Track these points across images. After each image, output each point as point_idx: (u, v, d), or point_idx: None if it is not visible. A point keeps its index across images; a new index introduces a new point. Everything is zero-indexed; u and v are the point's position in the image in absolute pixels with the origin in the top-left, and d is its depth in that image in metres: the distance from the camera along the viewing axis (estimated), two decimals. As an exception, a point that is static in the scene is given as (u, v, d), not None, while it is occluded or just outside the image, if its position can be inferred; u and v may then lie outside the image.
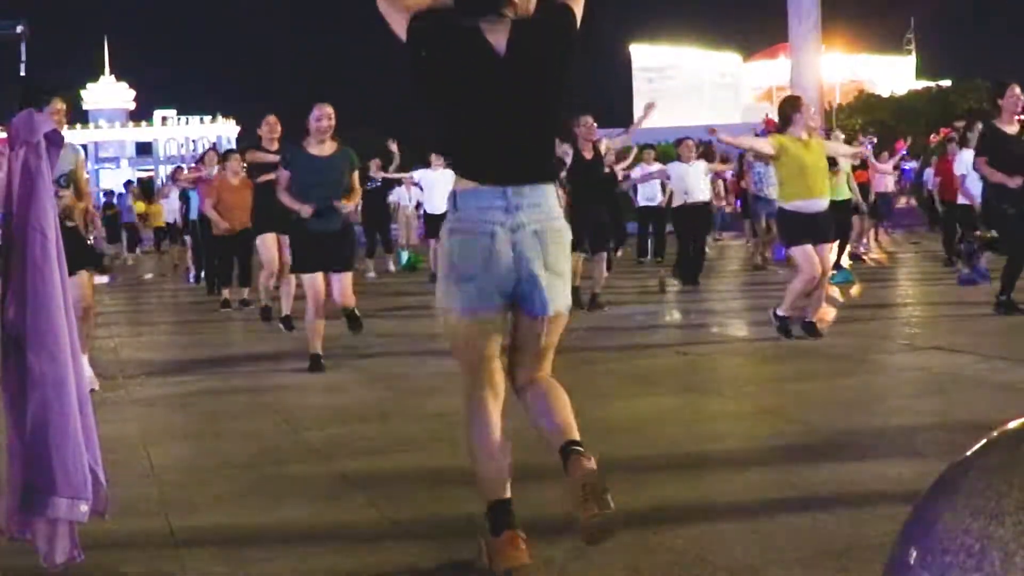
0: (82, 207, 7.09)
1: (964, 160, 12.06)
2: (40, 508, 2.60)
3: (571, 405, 3.29)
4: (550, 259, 3.17)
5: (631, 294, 12.23)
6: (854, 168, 13.85)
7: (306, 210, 7.14)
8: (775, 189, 9.17)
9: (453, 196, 3.21)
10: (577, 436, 3.15)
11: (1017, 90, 8.51)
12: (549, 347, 3.31)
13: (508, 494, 3.21)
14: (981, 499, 1.29)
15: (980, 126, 10.05)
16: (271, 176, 9.18)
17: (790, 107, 8.25)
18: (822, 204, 7.98)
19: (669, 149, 17.68)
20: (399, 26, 3.22)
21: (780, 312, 8.01)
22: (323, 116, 7.24)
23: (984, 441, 1.42)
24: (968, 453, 1.42)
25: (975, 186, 11.41)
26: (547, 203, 3.19)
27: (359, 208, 14.33)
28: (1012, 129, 8.53)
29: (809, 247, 7.87)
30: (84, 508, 2.63)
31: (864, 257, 15.67)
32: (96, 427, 2.77)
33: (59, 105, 6.60)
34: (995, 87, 8.85)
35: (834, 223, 8.44)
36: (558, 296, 3.21)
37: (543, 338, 3.26)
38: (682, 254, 13.46)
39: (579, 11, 3.25)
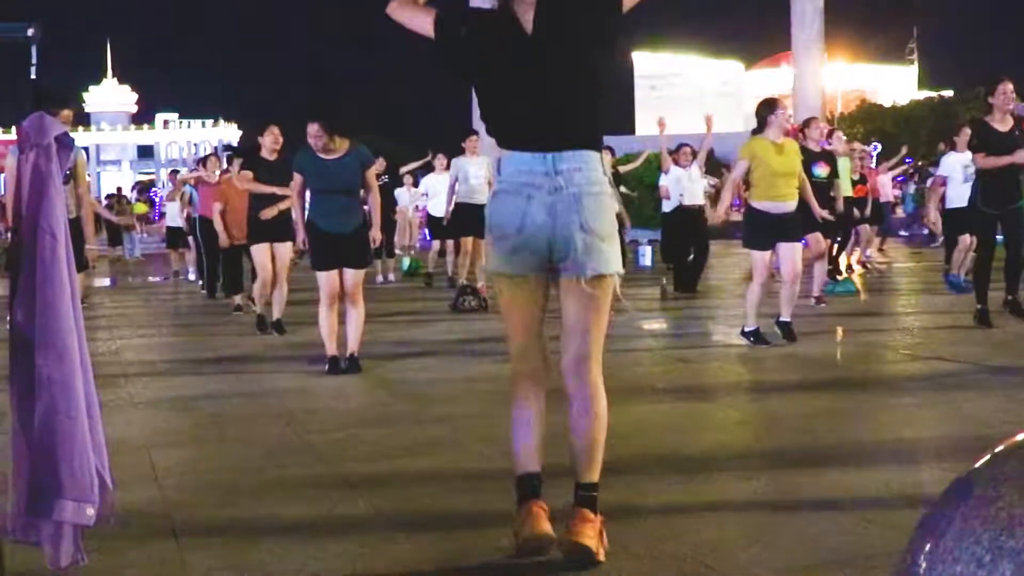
0: (88, 213, 7.18)
1: (947, 163, 12.13)
2: (46, 510, 2.60)
3: (604, 395, 3.37)
4: (589, 222, 3.19)
5: (633, 300, 12.23)
6: (854, 183, 13.85)
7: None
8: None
9: (498, 161, 3.32)
10: (595, 476, 3.28)
11: (1007, 87, 8.57)
12: (594, 318, 3.28)
13: (536, 468, 3.30)
14: (992, 509, 1.29)
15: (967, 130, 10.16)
16: (271, 189, 9.27)
17: (766, 109, 8.29)
18: (789, 207, 8.05)
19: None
20: (424, 23, 3.35)
21: (748, 328, 8.06)
22: (311, 135, 7.33)
23: (995, 451, 1.42)
24: (979, 463, 1.42)
25: (957, 190, 11.49)
26: (589, 167, 3.23)
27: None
28: (1003, 126, 8.57)
29: (767, 253, 7.97)
30: (90, 511, 2.63)
31: (868, 266, 15.68)
32: (103, 429, 2.77)
33: (64, 114, 6.64)
34: (987, 86, 8.90)
35: (802, 225, 8.46)
36: (597, 258, 3.21)
37: (584, 304, 3.25)
38: (679, 261, 13.39)
39: None
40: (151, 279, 19.40)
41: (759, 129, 8.23)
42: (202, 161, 15.36)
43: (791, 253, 8.04)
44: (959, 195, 11.42)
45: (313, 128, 7.29)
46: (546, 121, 3.25)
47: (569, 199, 3.18)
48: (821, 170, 10.31)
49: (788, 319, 8.11)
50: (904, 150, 20.86)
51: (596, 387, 3.33)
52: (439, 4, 3.44)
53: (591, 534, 3.16)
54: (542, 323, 3.38)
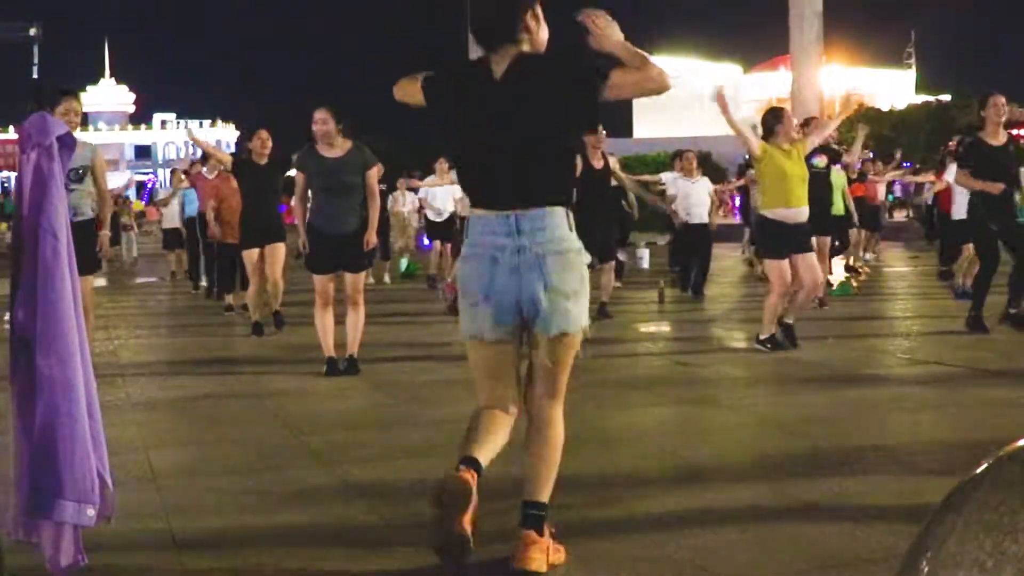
0: (106, 213, 7.19)
1: (953, 172, 12.13)
2: (47, 511, 2.60)
3: (572, 413, 3.36)
4: (553, 281, 3.22)
5: (631, 303, 12.23)
6: (851, 181, 13.86)
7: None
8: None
9: (467, 225, 3.35)
10: (544, 497, 3.28)
11: (999, 100, 8.55)
12: (557, 370, 3.35)
13: (475, 455, 3.22)
14: (995, 514, 1.29)
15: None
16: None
17: (772, 118, 8.28)
18: (802, 214, 8.01)
19: (666, 158, 17.56)
20: (415, 94, 3.41)
21: (763, 336, 8.03)
22: (318, 120, 7.25)
23: (997, 456, 1.43)
24: (981, 468, 1.42)
25: (962, 201, 11.48)
26: (552, 225, 3.25)
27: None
28: (997, 140, 8.56)
29: (784, 263, 7.91)
30: (91, 512, 2.63)
31: (860, 269, 15.69)
32: (103, 431, 2.77)
33: (72, 105, 6.64)
34: (979, 100, 8.89)
35: (811, 230, 8.47)
36: (562, 317, 3.26)
37: (548, 359, 3.32)
38: (685, 268, 13.39)
39: (617, 78, 3.18)
40: (149, 279, 19.38)
41: (765, 137, 8.22)
42: (202, 159, 15.35)
43: (809, 262, 8.01)
44: (964, 205, 11.41)
45: (321, 114, 7.26)
46: (508, 178, 3.26)
47: (532, 260, 3.21)
48: (820, 160, 10.38)
49: (791, 321, 8.08)
50: (898, 155, 20.86)
51: (555, 419, 3.37)
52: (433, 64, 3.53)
53: (538, 556, 3.17)
54: (514, 377, 3.40)
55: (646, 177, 14.64)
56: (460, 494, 3.08)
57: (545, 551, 3.21)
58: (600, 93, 3.20)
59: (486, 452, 3.28)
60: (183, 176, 16.30)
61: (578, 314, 3.30)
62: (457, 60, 3.54)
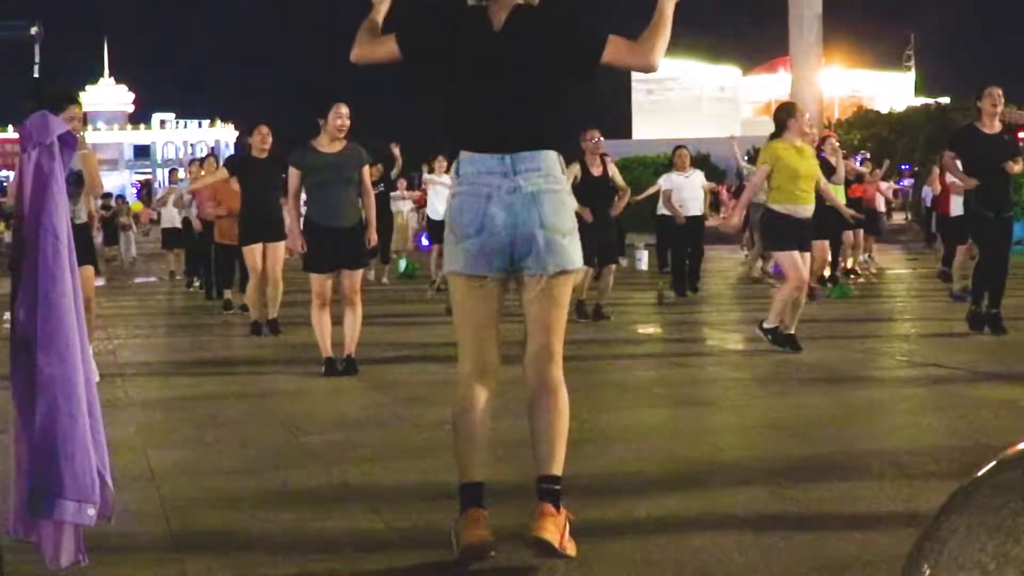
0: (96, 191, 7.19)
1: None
2: (47, 510, 2.60)
3: (571, 416, 3.35)
4: (548, 219, 3.22)
5: (630, 305, 12.23)
6: (848, 183, 13.87)
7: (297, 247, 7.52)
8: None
9: (456, 164, 3.31)
10: (558, 470, 3.26)
11: (994, 91, 8.64)
12: (556, 314, 3.31)
13: (480, 478, 3.27)
14: (997, 517, 1.30)
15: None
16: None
17: (785, 113, 8.29)
18: (808, 211, 8.03)
19: (665, 159, 17.50)
20: (389, 49, 3.42)
21: (767, 325, 8.04)
22: (342, 115, 7.34)
23: (999, 459, 1.43)
24: (983, 470, 1.42)
25: (958, 196, 11.51)
26: (546, 167, 3.27)
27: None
28: (990, 130, 8.61)
29: (796, 253, 7.92)
30: (91, 512, 2.62)
31: (859, 270, 15.69)
32: (104, 430, 2.77)
33: (75, 111, 6.64)
34: (976, 92, 8.95)
35: (814, 231, 8.49)
36: (559, 254, 3.24)
37: (545, 302, 3.28)
38: (676, 267, 13.42)
39: (613, 47, 3.30)
40: (148, 279, 19.37)
41: (777, 132, 8.22)
42: (199, 162, 15.34)
43: (804, 262, 8.02)
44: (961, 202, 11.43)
45: (344, 108, 7.34)
46: (507, 120, 3.29)
47: (527, 197, 3.21)
48: None
49: (793, 331, 8.05)
50: (886, 164, 20.82)
51: (558, 383, 3.35)
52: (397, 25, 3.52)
53: (552, 528, 3.14)
54: (498, 325, 3.37)
55: (648, 192, 14.65)
56: (483, 549, 3.15)
57: (561, 527, 3.18)
58: (599, 58, 3.29)
59: (482, 463, 3.30)
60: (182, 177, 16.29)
61: (574, 252, 3.30)
62: (451, 3, 3.50)
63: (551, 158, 3.29)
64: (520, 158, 3.22)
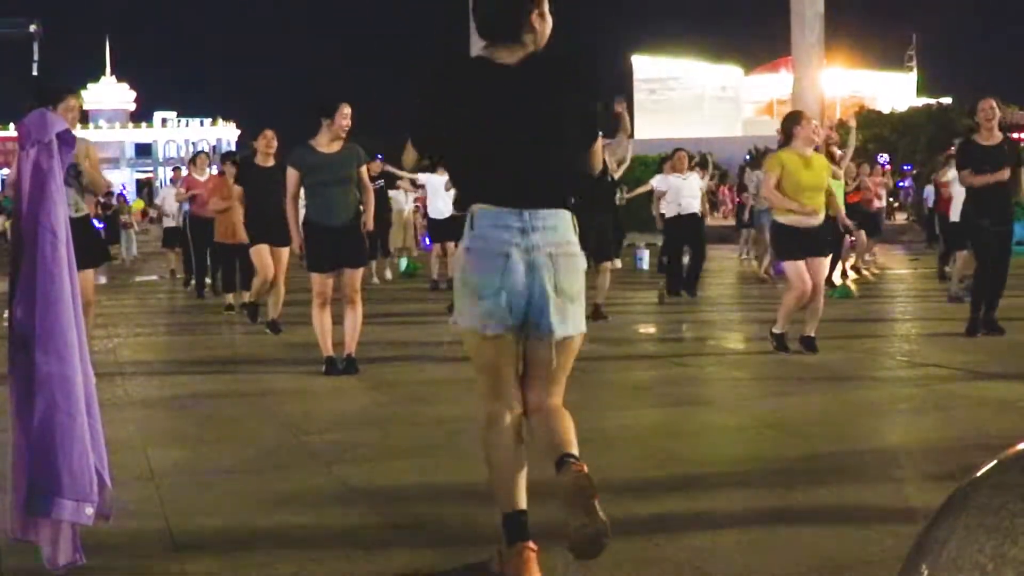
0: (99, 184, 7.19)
1: (951, 176, 12.18)
2: (45, 509, 2.60)
3: (570, 414, 3.32)
4: (563, 283, 3.21)
5: (630, 304, 12.23)
6: (845, 193, 13.85)
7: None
8: None
9: (470, 217, 3.26)
10: (575, 451, 3.18)
11: (987, 104, 8.68)
12: (560, 372, 3.31)
13: (523, 505, 3.23)
14: (995, 518, 1.29)
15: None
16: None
17: (792, 122, 8.26)
18: (816, 220, 7.98)
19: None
20: (413, 158, 3.50)
21: (776, 331, 8.02)
22: (346, 115, 7.39)
23: (998, 459, 1.42)
24: (981, 471, 1.41)
25: (959, 201, 11.49)
26: (563, 228, 3.24)
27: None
28: (989, 141, 8.62)
29: (800, 263, 7.89)
30: (89, 511, 2.62)
31: (863, 271, 15.69)
32: (102, 429, 2.76)
33: (72, 102, 6.63)
34: (969, 107, 8.99)
35: (829, 238, 8.49)
36: (569, 319, 3.23)
37: (553, 361, 3.27)
38: (672, 267, 13.39)
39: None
40: (148, 278, 19.38)
41: (785, 142, 8.20)
42: (191, 160, 15.33)
43: (817, 267, 7.99)
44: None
45: (348, 109, 7.37)
46: (526, 175, 3.23)
47: (545, 259, 3.18)
48: None
49: (812, 334, 8.01)
50: (881, 160, 20.83)
51: (561, 407, 3.33)
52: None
53: (586, 471, 3.05)
54: (516, 373, 3.33)
55: (639, 190, 14.67)
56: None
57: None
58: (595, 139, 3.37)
59: (522, 485, 3.25)
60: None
61: (581, 317, 3.30)
62: (461, 57, 3.45)
63: (567, 219, 3.26)
64: (537, 215, 3.19)
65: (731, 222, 24.47)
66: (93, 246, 7.04)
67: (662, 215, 13.26)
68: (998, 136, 8.66)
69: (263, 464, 4.78)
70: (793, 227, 7.93)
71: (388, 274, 16.28)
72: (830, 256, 9.79)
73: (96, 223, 8.50)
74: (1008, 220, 8.78)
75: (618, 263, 13.75)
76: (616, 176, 10.94)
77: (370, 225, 7.65)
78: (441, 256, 14.95)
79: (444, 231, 14.66)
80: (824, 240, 8.19)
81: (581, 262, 3.29)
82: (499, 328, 3.21)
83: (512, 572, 3.13)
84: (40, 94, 2.62)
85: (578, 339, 3.31)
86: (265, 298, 9.98)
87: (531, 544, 3.15)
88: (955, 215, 11.95)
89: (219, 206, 12.06)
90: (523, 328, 3.27)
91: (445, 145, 3.39)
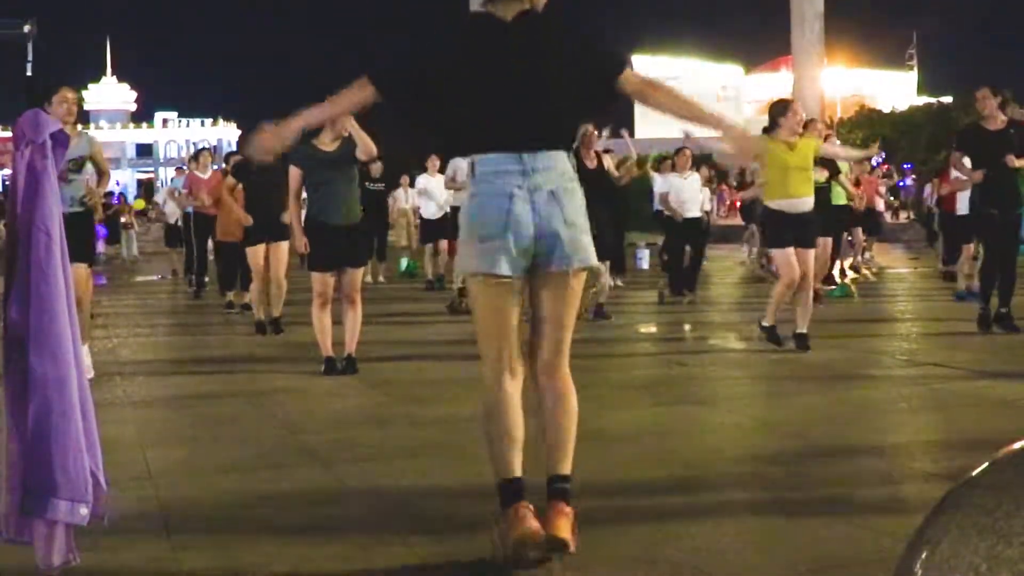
0: (100, 191, 7.18)
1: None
2: (39, 510, 2.59)
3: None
4: (569, 215, 3.27)
5: (631, 304, 12.22)
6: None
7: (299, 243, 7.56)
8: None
9: (472, 164, 3.30)
10: (568, 468, 3.30)
11: (982, 92, 8.73)
12: (568, 315, 3.36)
13: (519, 473, 3.30)
14: (989, 518, 1.29)
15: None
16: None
17: (777, 111, 8.28)
18: (805, 205, 8.01)
19: (669, 157, 17.47)
20: (363, 93, 3.44)
21: (765, 323, 8.04)
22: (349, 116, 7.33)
23: (992, 459, 1.42)
24: (976, 471, 1.41)
25: (964, 194, 11.48)
26: (561, 166, 3.31)
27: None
28: (994, 126, 8.65)
29: (790, 250, 7.91)
30: (84, 511, 2.61)
31: (861, 270, 15.68)
32: (98, 429, 2.76)
33: (66, 94, 6.61)
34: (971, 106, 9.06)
35: (820, 228, 8.50)
36: (582, 250, 3.29)
37: (562, 298, 3.32)
38: (673, 266, 13.36)
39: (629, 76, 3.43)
40: (149, 277, 19.39)
41: (770, 128, 8.22)
42: (193, 157, 15.32)
43: (805, 258, 8.00)
44: (967, 201, 11.39)
45: None
46: (522, 119, 3.29)
47: (548, 197, 3.24)
48: (820, 175, 10.29)
49: (804, 331, 8.00)
50: (877, 157, 20.78)
51: (568, 382, 3.41)
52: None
53: (566, 527, 3.19)
54: (517, 329, 3.38)
55: (634, 172, 14.66)
56: (536, 542, 3.15)
57: (572, 523, 3.23)
58: (613, 84, 3.37)
59: (520, 453, 3.31)
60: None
61: (591, 248, 3.35)
62: (459, 13, 3.58)
63: (564, 158, 3.33)
64: (537, 158, 3.25)
65: (731, 221, 24.46)
66: (85, 241, 7.02)
67: (668, 216, 13.17)
68: (1002, 122, 8.66)
69: (262, 463, 4.77)
70: (782, 212, 7.95)
71: (381, 277, 16.21)
72: (821, 247, 9.79)
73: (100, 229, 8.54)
74: (1016, 207, 8.76)
75: (619, 281, 13.73)
76: (620, 175, 10.88)
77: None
78: (434, 255, 14.95)
79: (436, 230, 14.68)
80: (814, 232, 8.21)
81: (582, 196, 3.35)
82: (506, 268, 3.24)
83: (510, 531, 3.18)
84: (34, 92, 2.63)
85: (589, 272, 3.36)
86: (266, 303, 9.93)
87: (527, 503, 3.22)
88: (962, 208, 11.95)
89: (204, 202, 12.07)
90: (531, 272, 3.30)
91: (433, 96, 3.39)
